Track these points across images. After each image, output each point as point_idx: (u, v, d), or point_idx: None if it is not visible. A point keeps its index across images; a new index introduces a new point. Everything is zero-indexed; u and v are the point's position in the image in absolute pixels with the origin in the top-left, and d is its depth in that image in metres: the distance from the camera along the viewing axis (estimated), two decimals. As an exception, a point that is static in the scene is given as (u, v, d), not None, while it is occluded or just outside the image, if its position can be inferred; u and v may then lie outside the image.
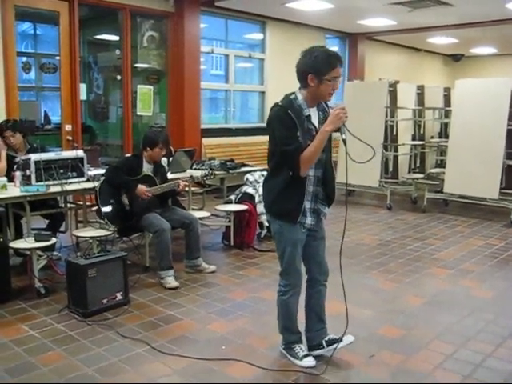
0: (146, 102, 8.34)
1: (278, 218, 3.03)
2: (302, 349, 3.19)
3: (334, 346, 3.16)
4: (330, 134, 2.84)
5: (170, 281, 4.51)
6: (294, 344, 3.21)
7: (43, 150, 4.94)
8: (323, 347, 3.22)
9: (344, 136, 2.85)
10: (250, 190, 6.03)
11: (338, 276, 3.03)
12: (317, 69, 2.79)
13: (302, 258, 3.14)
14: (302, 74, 2.86)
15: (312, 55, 2.82)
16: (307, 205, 2.99)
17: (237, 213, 5.73)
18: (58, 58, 7.43)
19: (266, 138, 3.00)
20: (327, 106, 3.03)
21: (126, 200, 4.72)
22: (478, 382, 3.01)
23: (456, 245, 5.98)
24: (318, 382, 2.99)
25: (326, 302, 3.27)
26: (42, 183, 4.58)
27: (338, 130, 2.86)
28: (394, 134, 8.66)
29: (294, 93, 2.94)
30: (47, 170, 4.67)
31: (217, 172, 5.72)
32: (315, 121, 2.94)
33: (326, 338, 3.24)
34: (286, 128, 2.85)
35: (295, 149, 2.82)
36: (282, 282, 3.13)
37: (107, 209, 4.69)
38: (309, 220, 3.01)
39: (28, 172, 4.60)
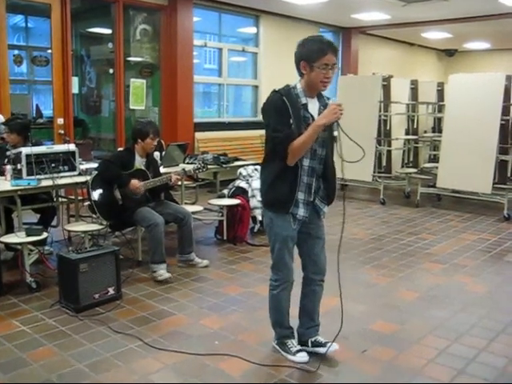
0: (138, 95, 8.29)
1: (270, 209, 3.01)
2: (294, 344, 3.18)
3: (318, 349, 3.17)
4: (322, 128, 2.79)
5: (162, 273, 4.49)
6: (287, 339, 3.20)
7: (38, 145, 4.93)
8: (308, 346, 3.21)
9: (336, 133, 2.84)
10: (243, 184, 6.01)
11: (334, 271, 3.02)
12: (308, 55, 2.80)
13: (299, 255, 3.13)
14: (297, 63, 2.87)
15: (305, 43, 2.85)
16: (300, 196, 2.94)
17: (230, 207, 5.71)
18: (49, 51, 7.37)
19: (260, 132, 2.98)
20: (329, 99, 3.00)
21: (118, 194, 4.69)
22: (471, 382, 3.01)
23: (449, 239, 5.99)
24: (311, 377, 2.98)
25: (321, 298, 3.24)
26: (33, 177, 4.54)
27: (331, 125, 2.85)
28: (388, 128, 8.65)
29: (295, 84, 2.93)
30: (38, 163, 4.63)
31: (210, 166, 5.70)
32: (313, 111, 2.90)
33: (313, 339, 3.23)
34: (278, 114, 2.83)
35: (285, 136, 2.80)
36: (273, 276, 3.12)
37: (97, 197, 4.65)
38: (301, 211, 2.97)
39: (19, 166, 4.56)
